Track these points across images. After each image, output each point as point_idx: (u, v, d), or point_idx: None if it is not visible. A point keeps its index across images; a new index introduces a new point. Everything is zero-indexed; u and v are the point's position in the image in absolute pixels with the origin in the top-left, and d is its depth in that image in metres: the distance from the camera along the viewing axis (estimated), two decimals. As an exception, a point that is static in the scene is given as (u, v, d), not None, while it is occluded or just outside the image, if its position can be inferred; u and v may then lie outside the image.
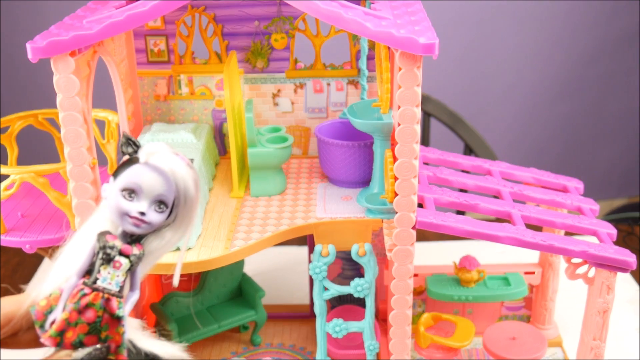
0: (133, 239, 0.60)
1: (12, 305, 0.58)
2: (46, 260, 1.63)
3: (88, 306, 0.57)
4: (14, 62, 2.55)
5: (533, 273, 1.29)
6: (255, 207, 1.12)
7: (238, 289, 1.35)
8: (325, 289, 1.09)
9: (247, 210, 1.11)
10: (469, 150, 1.92)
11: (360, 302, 1.25)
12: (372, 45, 1.22)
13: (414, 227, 0.99)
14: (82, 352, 0.57)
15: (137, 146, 0.61)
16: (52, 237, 1.09)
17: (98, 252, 0.58)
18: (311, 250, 1.22)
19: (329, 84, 1.25)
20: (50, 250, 1.15)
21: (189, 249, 1.00)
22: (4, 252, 1.68)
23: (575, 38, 2.84)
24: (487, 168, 1.24)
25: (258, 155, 1.12)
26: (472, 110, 2.80)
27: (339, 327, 1.11)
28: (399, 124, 0.93)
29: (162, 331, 1.24)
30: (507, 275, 1.30)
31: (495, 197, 1.17)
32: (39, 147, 2.13)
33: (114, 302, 0.58)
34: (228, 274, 1.32)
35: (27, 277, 1.60)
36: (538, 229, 1.19)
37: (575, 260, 1.04)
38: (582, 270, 1.04)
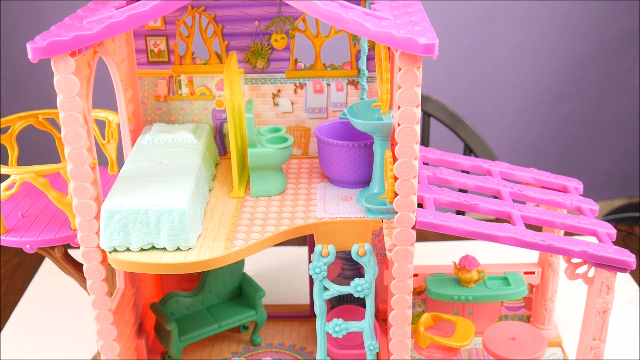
0: None
1: None
2: (47, 261, 1.63)
3: None
4: (15, 62, 2.55)
5: (533, 273, 1.29)
6: (255, 207, 1.12)
7: (238, 289, 1.35)
8: (325, 289, 1.09)
9: (247, 210, 1.11)
10: (468, 151, 1.92)
11: (360, 302, 1.25)
12: (372, 46, 1.22)
13: (414, 227, 0.99)
14: None
15: None
16: (52, 237, 1.09)
17: None
18: (311, 250, 1.23)
19: (329, 84, 1.25)
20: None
21: (189, 249, 1.00)
22: (4, 252, 1.68)
23: (575, 38, 2.84)
24: (487, 168, 1.24)
25: (258, 155, 1.13)
26: (472, 111, 2.80)
27: (339, 327, 1.11)
28: (399, 124, 0.93)
29: (162, 331, 1.24)
30: (507, 275, 1.30)
31: (495, 197, 1.17)
32: (39, 147, 2.14)
33: None
34: (228, 274, 1.32)
35: (27, 277, 1.60)
36: (538, 229, 1.19)
37: (575, 260, 1.04)
38: (581, 270, 1.04)
